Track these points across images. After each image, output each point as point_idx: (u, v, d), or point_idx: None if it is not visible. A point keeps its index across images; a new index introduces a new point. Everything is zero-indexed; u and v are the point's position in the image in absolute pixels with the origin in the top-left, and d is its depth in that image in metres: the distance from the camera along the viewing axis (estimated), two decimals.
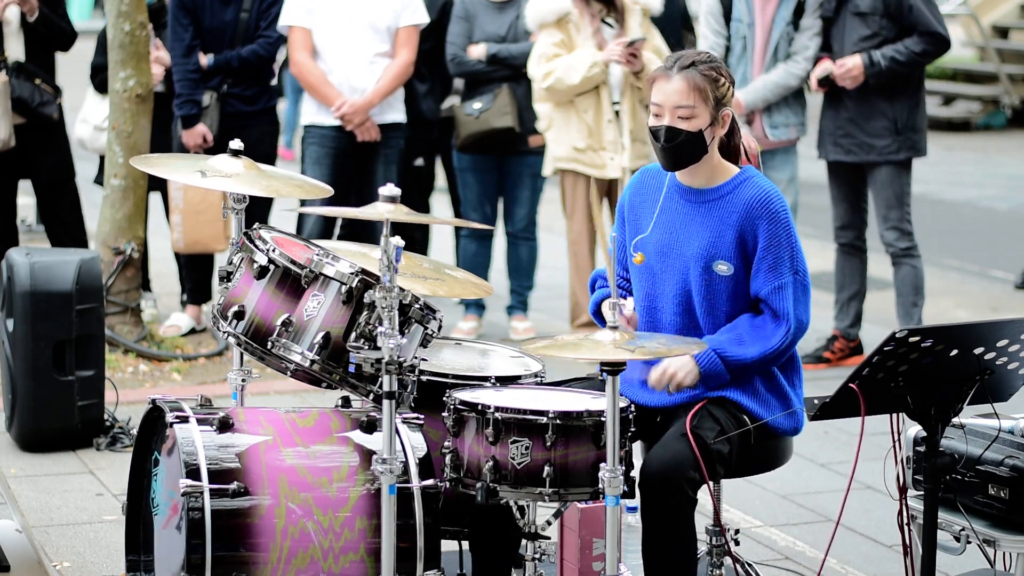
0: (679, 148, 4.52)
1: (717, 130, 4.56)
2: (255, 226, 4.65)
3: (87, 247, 8.25)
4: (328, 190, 4.85)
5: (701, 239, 4.56)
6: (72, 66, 10.99)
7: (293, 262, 4.42)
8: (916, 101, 7.93)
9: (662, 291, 4.63)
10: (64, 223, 8.38)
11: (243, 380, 4.91)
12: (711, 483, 4.50)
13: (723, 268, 4.55)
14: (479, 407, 4.24)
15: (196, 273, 8.45)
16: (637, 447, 4.63)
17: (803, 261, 4.57)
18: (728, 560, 4.78)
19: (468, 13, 8.51)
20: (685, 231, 4.60)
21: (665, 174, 4.67)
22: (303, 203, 8.25)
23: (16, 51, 8.13)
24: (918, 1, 7.76)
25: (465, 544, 4.79)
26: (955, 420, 4.16)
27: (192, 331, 8.34)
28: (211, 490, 4.13)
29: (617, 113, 7.98)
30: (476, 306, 8.72)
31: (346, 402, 4.53)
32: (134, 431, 5.55)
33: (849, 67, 7.76)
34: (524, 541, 4.40)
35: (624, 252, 4.76)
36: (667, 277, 4.61)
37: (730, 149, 4.67)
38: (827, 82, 7.91)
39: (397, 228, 4.35)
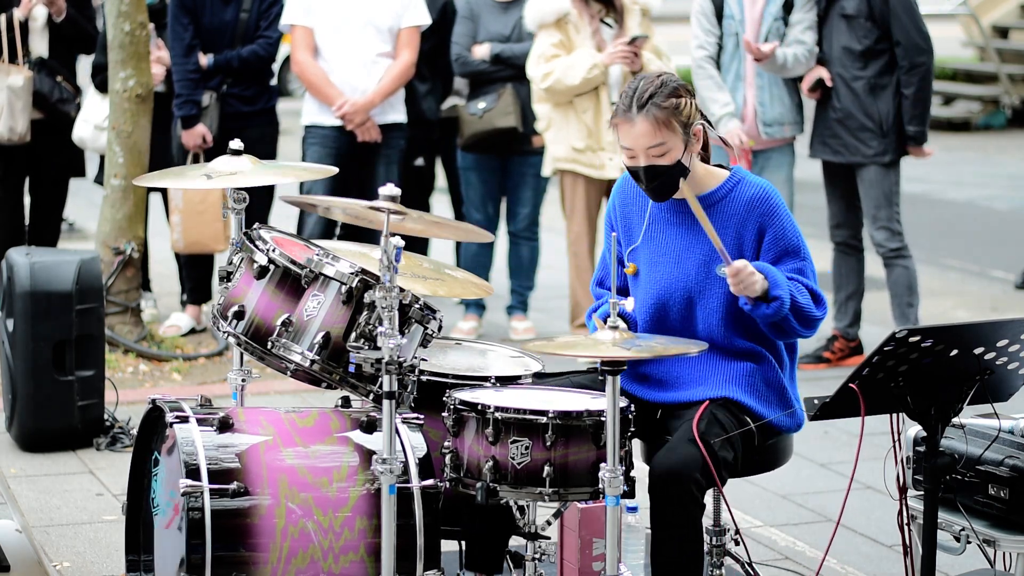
0: (663, 183, 4.49)
1: (693, 148, 4.52)
2: (255, 226, 4.65)
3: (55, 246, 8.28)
4: (332, 170, 4.84)
5: (700, 244, 4.55)
6: None
7: (293, 262, 4.42)
8: (900, 104, 7.90)
9: (661, 300, 4.61)
10: (50, 222, 8.41)
11: (243, 380, 4.90)
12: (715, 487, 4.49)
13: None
14: (479, 407, 4.24)
15: (196, 273, 8.45)
16: (637, 446, 4.63)
17: (807, 248, 4.59)
18: (728, 560, 4.78)
19: (472, 13, 8.51)
20: (681, 238, 4.58)
21: None
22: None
23: (40, 48, 8.18)
24: (899, 9, 7.75)
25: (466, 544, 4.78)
26: (955, 420, 4.16)
27: (192, 331, 8.34)
28: (211, 490, 4.13)
29: None
30: (476, 306, 8.72)
31: (346, 402, 4.53)
32: (134, 431, 5.54)
33: (924, 155, 8.01)
34: (524, 541, 4.40)
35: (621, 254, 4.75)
36: (666, 285, 4.59)
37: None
38: (818, 87, 7.92)
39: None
